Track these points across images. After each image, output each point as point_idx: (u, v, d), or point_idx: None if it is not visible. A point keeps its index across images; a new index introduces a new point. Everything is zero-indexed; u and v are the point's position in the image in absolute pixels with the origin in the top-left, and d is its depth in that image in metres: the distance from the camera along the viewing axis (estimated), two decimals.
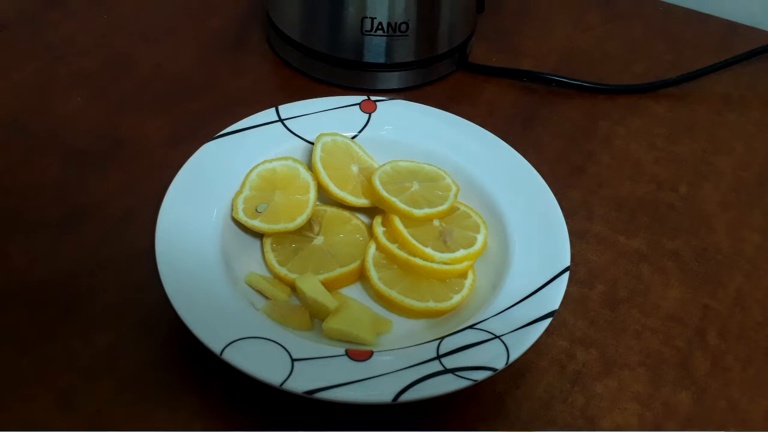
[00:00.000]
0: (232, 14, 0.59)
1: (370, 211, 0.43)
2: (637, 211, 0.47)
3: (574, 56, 0.58)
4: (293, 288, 0.40)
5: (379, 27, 0.50)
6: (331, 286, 0.39)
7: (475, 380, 0.33)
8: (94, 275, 0.40)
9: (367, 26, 0.50)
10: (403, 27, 0.51)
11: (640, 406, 0.37)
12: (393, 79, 0.53)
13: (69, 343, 0.37)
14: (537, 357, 0.39)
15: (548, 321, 0.36)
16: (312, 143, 0.45)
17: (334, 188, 0.43)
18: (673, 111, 0.54)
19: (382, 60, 0.52)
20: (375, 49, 0.52)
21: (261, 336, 0.35)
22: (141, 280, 0.40)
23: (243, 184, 0.42)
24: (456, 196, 0.42)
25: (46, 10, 0.57)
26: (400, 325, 0.39)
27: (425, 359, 0.34)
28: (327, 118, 0.46)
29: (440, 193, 0.42)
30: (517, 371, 0.38)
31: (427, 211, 0.41)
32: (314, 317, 0.38)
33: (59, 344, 0.37)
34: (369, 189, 0.43)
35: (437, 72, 0.55)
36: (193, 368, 0.37)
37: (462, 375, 0.34)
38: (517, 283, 0.38)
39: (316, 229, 0.42)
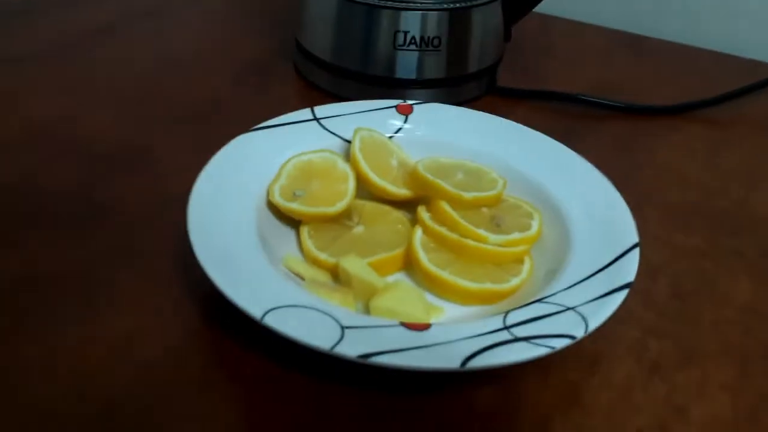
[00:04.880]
0: (256, 47, 0.59)
1: (411, 207, 0.41)
2: (690, 214, 0.44)
3: (603, 85, 0.58)
4: (334, 274, 0.36)
5: (412, 41, 0.50)
6: (374, 271, 0.36)
7: (554, 347, 0.29)
8: (114, 267, 0.37)
9: (400, 40, 0.50)
10: (436, 41, 0.50)
11: (730, 396, 0.33)
12: (423, 97, 0.52)
13: (83, 332, 0.33)
14: (609, 346, 0.34)
15: (625, 292, 0.32)
16: (348, 141, 0.43)
17: (374, 177, 0.40)
18: (711, 129, 0.53)
19: (413, 76, 0.51)
20: (407, 64, 0.51)
21: (304, 305, 0.31)
22: (167, 271, 0.36)
23: (278, 174, 0.40)
24: (504, 186, 0.40)
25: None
26: (453, 313, 0.35)
27: (492, 329, 0.30)
28: (363, 119, 0.44)
29: (487, 183, 0.40)
30: (589, 360, 0.34)
31: (476, 194, 0.38)
32: (358, 299, 0.34)
33: (69, 333, 0.33)
34: (412, 179, 0.40)
35: (467, 93, 0.54)
36: (222, 352, 0.33)
37: (538, 342, 0.29)
38: (581, 264, 0.35)
39: (356, 219, 0.39)
